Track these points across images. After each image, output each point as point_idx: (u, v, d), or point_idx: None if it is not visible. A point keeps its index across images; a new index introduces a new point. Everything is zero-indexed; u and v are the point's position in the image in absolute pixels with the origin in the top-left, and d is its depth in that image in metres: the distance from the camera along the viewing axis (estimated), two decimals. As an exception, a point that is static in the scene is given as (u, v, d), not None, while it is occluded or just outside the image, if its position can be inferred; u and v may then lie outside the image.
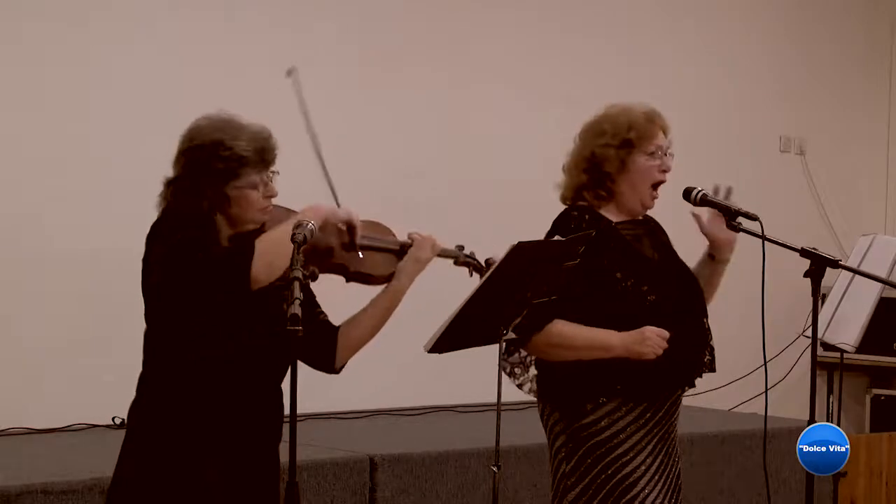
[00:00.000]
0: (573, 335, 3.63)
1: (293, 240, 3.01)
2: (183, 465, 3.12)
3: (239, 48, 5.78)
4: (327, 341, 3.35)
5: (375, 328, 3.40)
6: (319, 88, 6.00)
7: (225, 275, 3.03)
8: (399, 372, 5.94)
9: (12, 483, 4.18)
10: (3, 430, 5.16)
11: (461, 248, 3.54)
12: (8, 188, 5.25)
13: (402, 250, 3.42)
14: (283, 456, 2.98)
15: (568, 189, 3.81)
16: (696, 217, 3.83)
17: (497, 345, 3.50)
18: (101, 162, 5.39)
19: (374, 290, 3.43)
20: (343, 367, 3.40)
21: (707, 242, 3.86)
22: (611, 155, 3.72)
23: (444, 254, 3.49)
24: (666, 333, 3.61)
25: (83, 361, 5.23)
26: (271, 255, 3.04)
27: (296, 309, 2.84)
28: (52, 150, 5.33)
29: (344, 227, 3.30)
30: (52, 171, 5.31)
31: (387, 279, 3.40)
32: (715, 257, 3.86)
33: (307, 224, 3.07)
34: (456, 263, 3.55)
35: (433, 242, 3.42)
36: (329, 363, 3.38)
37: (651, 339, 3.60)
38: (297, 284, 2.88)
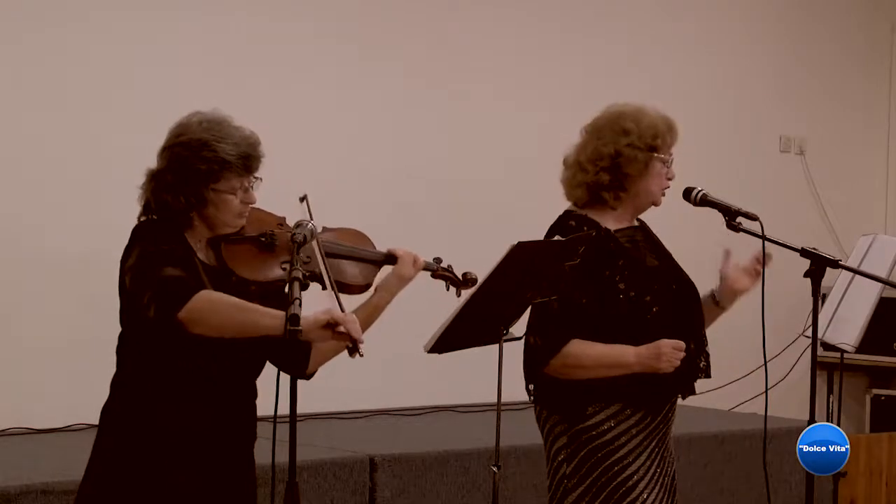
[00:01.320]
0: (589, 356, 3.62)
1: (293, 240, 3.01)
2: (154, 467, 3.11)
3: (239, 49, 5.78)
4: (301, 347, 3.28)
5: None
6: (320, 89, 6.06)
7: (157, 305, 2.99)
8: (399, 372, 5.93)
9: (12, 483, 4.18)
10: (3, 430, 5.16)
11: (438, 260, 3.54)
12: (8, 188, 5.24)
13: (382, 262, 3.40)
14: (283, 456, 2.97)
15: (579, 188, 3.75)
16: (726, 253, 3.82)
17: (497, 345, 3.50)
18: (101, 162, 5.38)
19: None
20: (314, 374, 3.35)
21: (718, 284, 3.85)
22: (638, 157, 3.69)
23: (424, 267, 3.47)
24: (682, 345, 3.60)
25: (83, 361, 5.21)
26: (220, 317, 2.98)
27: (296, 309, 2.83)
28: (52, 151, 5.32)
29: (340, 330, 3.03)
30: (52, 171, 5.31)
31: (363, 289, 3.36)
32: (719, 303, 3.86)
33: (307, 224, 3.07)
34: (433, 276, 3.54)
35: (415, 258, 3.40)
36: (301, 369, 3.30)
37: (667, 354, 3.59)
38: (297, 285, 2.88)
